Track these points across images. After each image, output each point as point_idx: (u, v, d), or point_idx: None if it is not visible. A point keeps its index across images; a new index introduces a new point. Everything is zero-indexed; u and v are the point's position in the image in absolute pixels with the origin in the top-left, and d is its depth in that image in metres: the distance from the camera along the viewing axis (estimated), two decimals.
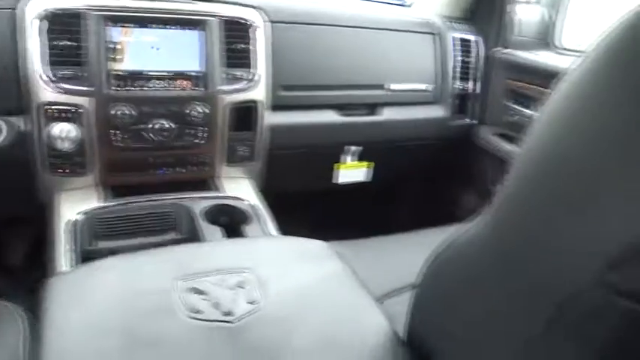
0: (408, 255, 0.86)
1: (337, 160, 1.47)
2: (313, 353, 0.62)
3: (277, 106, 1.27)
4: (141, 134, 1.10)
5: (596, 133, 0.41)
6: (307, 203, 1.53)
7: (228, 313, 0.64)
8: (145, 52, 1.08)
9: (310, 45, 1.29)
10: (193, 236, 1.05)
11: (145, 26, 1.07)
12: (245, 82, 1.19)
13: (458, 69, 1.50)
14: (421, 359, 0.62)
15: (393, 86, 1.42)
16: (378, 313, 0.71)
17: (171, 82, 1.10)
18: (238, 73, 1.18)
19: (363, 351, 0.64)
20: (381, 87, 1.41)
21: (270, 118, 1.27)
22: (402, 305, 0.68)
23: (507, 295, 0.50)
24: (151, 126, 1.10)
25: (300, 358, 0.61)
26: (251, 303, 0.67)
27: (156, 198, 1.10)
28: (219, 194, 1.18)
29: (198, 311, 0.64)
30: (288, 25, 1.26)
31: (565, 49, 1.52)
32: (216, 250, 0.84)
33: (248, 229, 1.07)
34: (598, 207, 0.40)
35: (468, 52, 1.51)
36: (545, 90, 1.31)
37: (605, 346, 0.42)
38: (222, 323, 0.63)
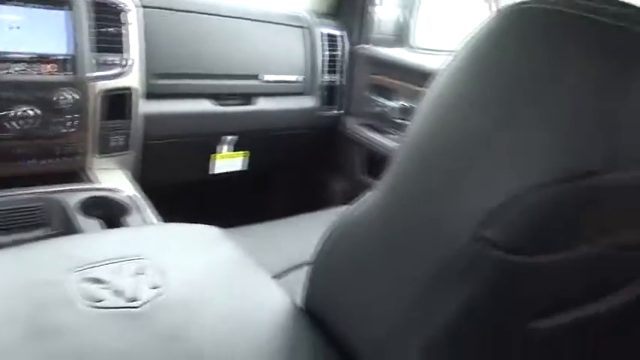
0: (299, 237, 0.91)
1: (214, 150, 1.47)
2: (221, 328, 0.64)
3: (152, 95, 1.24)
4: (1, 122, 0.99)
5: (467, 132, 0.48)
6: (185, 194, 1.51)
7: (132, 299, 0.63)
8: (3, 31, 0.98)
9: (185, 33, 1.28)
10: (68, 231, 0.98)
11: (3, 3, 0.97)
12: (118, 68, 1.14)
13: (326, 62, 1.59)
14: (319, 327, 0.67)
15: (267, 77, 1.46)
16: (276, 287, 0.74)
17: (34, 65, 1.02)
18: (110, 58, 1.13)
19: (267, 322, 0.67)
20: (255, 77, 1.44)
21: (145, 107, 1.23)
22: (298, 280, 0.73)
23: (395, 263, 0.56)
24: (13, 113, 1.00)
25: (208, 334, 0.62)
26: (154, 288, 0.66)
27: (22, 192, 1.01)
28: (94, 186, 1.12)
29: (99, 300, 0.62)
30: (162, 10, 1.23)
31: (418, 47, 1.70)
32: (105, 239, 0.81)
33: (129, 220, 1.04)
34: (470, 178, 0.48)
35: (335, 46, 1.61)
36: (403, 84, 1.47)
37: (481, 297, 0.50)
38: (128, 309, 0.62)
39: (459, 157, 0.49)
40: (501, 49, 0.46)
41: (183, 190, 1.50)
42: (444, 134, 0.51)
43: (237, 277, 0.75)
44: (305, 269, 0.71)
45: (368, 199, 0.60)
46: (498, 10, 0.48)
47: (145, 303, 0.63)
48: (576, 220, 0.47)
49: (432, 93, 0.54)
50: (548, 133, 0.43)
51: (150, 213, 1.08)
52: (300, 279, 0.71)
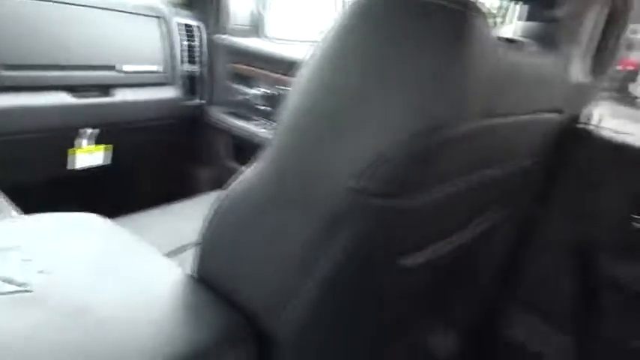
0: (182, 220, 0.94)
1: (72, 145, 1.41)
2: (120, 303, 0.65)
3: (1, 88, 1.16)
4: None
5: (336, 105, 0.55)
6: (47, 190, 1.42)
7: (24, 284, 0.62)
8: None
9: (34, 22, 1.21)
10: None
11: None
12: None
13: (185, 52, 1.60)
14: (216, 295, 0.70)
15: (125, 67, 1.43)
16: (171, 262, 0.77)
17: None
18: None
19: (165, 293, 0.70)
20: (112, 68, 1.41)
21: None
22: (190, 258, 0.75)
23: (281, 225, 0.62)
24: None
25: (107, 308, 0.63)
26: (44, 273, 0.66)
27: None
28: None
29: None
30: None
31: (272, 37, 1.79)
32: None
33: None
34: (343, 141, 0.56)
35: (192, 36, 1.63)
36: (263, 72, 1.55)
37: (360, 240, 0.59)
38: (21, 293, 0.61)
39: (331, 126, 0.57)
40: (358, 33, 0.55)
41: (43, 186, 1.41)
42: (317, 109, 0.59)
43: (129, 257, 0.76)
44: (194, 248, 0.74)
45: (249, 174, 0.65)
46: (350, 2, 0.57)
47: (38, 286, 0.63)
48: (432, 167, 0.58)
49: (303, 74, 0.60)
50: (403, 99, 0.52)
51: (12, 210, 1.03)
52: (191, 256, 0.74)
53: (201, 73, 1.67)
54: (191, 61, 1.63)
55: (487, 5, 0.71)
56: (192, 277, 0.73)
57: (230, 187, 0.68)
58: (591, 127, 1.03)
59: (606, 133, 1.02)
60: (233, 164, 1.68)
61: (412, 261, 0.70)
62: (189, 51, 1.61)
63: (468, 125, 0.57)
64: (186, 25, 1.61)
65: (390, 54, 0.53)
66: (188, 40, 1.61)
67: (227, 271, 0.70)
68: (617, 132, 1.03)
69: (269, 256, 0.64)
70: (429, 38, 0.51)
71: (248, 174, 0.65)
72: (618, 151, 1.00)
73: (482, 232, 0.87)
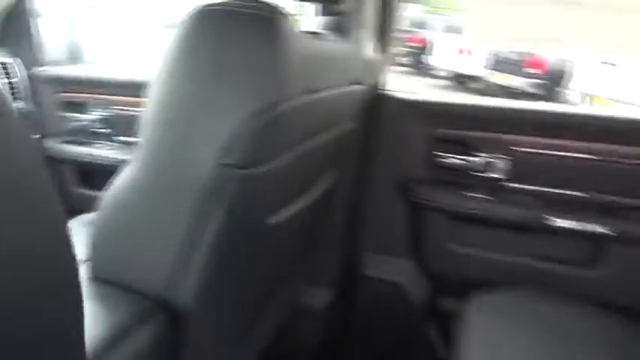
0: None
1: None
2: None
3: None
4: None
5: (193, 98, 0.66)
6: None
7: None
8: None
9: None
10: None
11: None
12: None
13: (7, 90, 1.56)
14: (115, 287, 0.75)
15: None
16: None
17: None
18: None
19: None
20: None
21: None
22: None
23: (160, 209, 0.71)
24: None
25: None
26: None
27: None
28: None
29: None
30: None
31: (92, 61, 1.82)
32: None
33: None
34: (202, 129, 0.67)
35: (9, 73, 1.59)
36: (94, 95, 1.58)
37: (232, 207, 0.70)
38: None
39: (189, 116, 0.68)
40: (198, 39, 0.67)
41: None
42: (174, 105, 0.69)
43: None
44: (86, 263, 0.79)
45: (125, 172, 0.74)
46: (186, 15, 0.69)
47: None
48: (276, 137, 0.73)
49: (158, 79, 0.70)
50: (242, 85, 0.66)
51: None
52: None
53: (27, 108, 1.63)
54: (15, 98, 1.59)
55: (289, 8, 0.89)
56: (92, 279, 0.78)
57: (110, 188, 0.74)
58: (389, 93, 1.29)
59: (400, 95, 1.29)
60: (83, 191, 1.68)
61: (277, 219, 0.85)
62: (10, 88, 1.57)
63: (296, 101, 0.74)
64: (2, 63, 1.57)
65: (226, 53, 0.66)
66: (7, 78, 1.57)
67: (123, 263, 0.76)
68: (409, 93, 1.31)
69: (157, 240, 0.72)
70: (252, 38, 0.67)
71: (125, 173, 0.73)
72: (413, 107, 1.27)
73: (327, 190, 1.07)
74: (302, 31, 0.81)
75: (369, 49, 1.13)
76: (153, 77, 0.70)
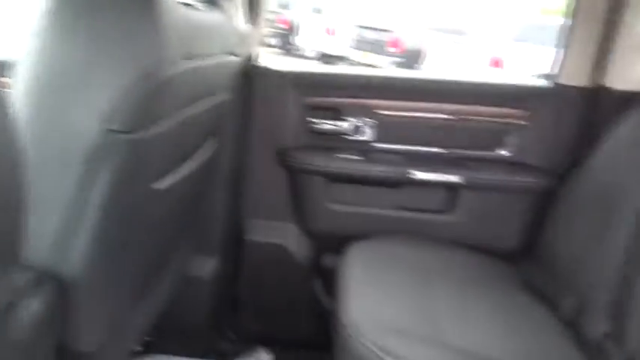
0: None
1: None
2: None
3: None
4: None
5: (70, 71, 0.67)
6: None
7: None
8: None
9: None
10: None
11: None
12: None
13: None
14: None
15: None
16: None
17: None
18: None
19: None
20: None
21: None
22: None
23: (54, 180, 0.70)
24: None
25: None
26: None
27: None
28: None
29: None
30: None
31: None
32: None
33: None
34: (86, 95, 0.67)
35: None
36: None
37: (120, 172, 0.71)
38: None
39: (70, 85, 0.68)
40: (69, 9, 0.67)
41: None
42: (53, 74, 0.68)
43: None
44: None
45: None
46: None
47: None
48: (159, 103, 0.75)
49: (30, 57, 0.69)
50: (122, 54, 0.68)
51: None
52: None
53: None
54: None
55: None
56: None
57: None
58: (262, 65, 1.35)
59: (273, 67, 1.35)
60: None
61: (163, 185, 0.87)
62: None
63: (176, 68, 0.77)
64: None
65: (102, 21, 0.68)
66: None
67: (11, 239, 0.75)
68: (281, 65, 1.38)
69: (42, 209, 0.71)
70: (126, 6, 0.68)
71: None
72: (286, 77, 1.34)
73: (209, 158, 1.10)
74: (179, 2, 0.83)
75: (239, 21, 1.17)
76: (24, 52, 0.69)
